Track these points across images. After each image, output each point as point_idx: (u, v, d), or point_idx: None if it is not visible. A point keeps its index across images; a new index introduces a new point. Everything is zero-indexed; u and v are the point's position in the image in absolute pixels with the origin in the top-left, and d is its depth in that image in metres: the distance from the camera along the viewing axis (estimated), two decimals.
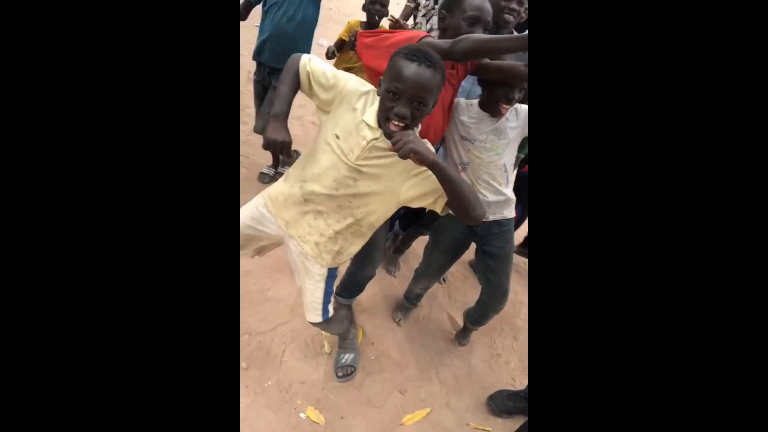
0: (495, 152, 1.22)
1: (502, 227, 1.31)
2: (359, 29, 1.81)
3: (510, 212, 1.32)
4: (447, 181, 0.88)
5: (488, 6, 1.06)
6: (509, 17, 1.29)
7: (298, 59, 0.95)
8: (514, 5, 1.28)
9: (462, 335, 1.66)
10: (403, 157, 0.82)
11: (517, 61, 1.09)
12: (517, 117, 1.24)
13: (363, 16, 1.89)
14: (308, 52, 1.80)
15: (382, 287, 1.82)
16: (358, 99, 0.95)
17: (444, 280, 1.96)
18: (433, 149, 0.94)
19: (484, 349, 1.70)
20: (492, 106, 1.18)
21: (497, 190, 1.25)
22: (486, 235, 1.32)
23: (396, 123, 0.86)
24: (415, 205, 1.00)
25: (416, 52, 0.84)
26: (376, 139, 0.91)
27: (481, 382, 1.55)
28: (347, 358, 1.38)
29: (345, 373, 1.36)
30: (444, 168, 0.87)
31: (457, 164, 1.26)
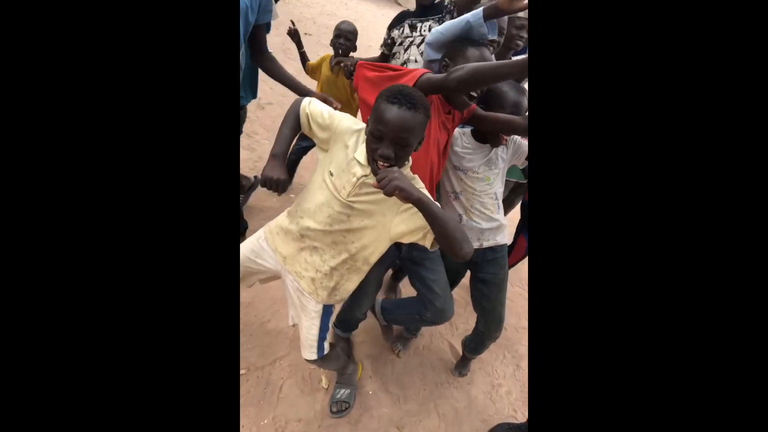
0: (487, 182, 1.24)
1: (496, 253, 1.32)
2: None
3: (503, 238, 1.32)
4: (432, 218, 0.87)
5: (488, 55, 1.09)
6: (520, 42, 1.60)
7: (300, 103, 1.00)
8: (524, 33, 1.56)
9: (461, 365, 1.64)
10: (388, 194, 0.82)
11: (513, 115, 1.15)
12: (506, 149, 1.26)
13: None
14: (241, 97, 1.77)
15: None
16: (350, 137, 0.97)
17: None
18: (422, 184, 0.96)
19: (485, 379, 1.68)
20: (493, 137, 1.20)
21: (490, 217, 1.27)
22: (480, 261, 1.32)
23: (382, 163, 0.88)
24: (405, 240, 1.01)
25: (397, 95, 0.86)
26: (365, 175, 0.93)
27: (482, 414, 1.52)
28: (342, 393, 1.38)
29: (339, 408, 1.36)
30: (429, 205, 0.86)
31: (449, 193, 1.28)
